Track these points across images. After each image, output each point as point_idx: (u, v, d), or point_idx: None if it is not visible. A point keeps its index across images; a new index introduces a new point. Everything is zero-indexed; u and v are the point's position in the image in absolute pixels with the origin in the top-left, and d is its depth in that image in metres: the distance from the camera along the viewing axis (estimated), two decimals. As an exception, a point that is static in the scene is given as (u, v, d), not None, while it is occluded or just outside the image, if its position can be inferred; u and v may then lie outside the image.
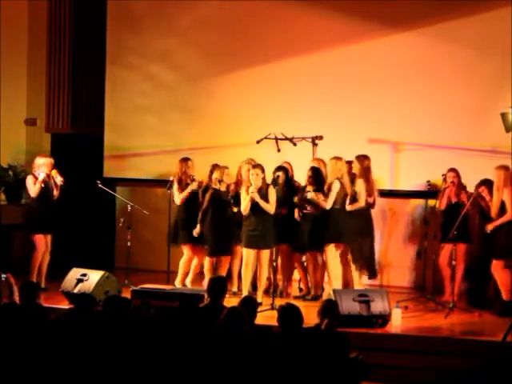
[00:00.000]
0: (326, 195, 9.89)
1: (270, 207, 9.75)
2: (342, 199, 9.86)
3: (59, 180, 10.45)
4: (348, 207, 9.92)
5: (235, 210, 10.12)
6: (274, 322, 6.78)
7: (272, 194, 9.78)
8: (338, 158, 9.98)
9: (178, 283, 10.39)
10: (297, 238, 10.13)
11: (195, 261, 10.47)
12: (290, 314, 6.60)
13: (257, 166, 9.88)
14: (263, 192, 9.74)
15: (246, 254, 9.83)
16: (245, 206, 9.77)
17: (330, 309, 6.87)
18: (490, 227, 9.56)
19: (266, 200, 9.73)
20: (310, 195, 9.83)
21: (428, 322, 9.19)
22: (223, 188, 10.23)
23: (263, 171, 9.82)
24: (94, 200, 12.00)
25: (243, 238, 9.85)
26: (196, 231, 10.23)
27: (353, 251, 9.99)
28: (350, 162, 10.21)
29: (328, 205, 9.82)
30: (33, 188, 10.42)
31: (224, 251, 10.24)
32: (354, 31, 11.30)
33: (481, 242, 9.89)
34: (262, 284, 9.89)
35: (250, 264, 9.85)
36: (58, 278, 9.89)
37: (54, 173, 10.47)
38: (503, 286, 9.49)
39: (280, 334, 6.59)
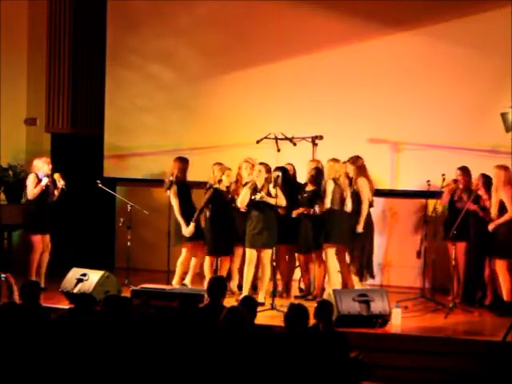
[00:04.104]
0: (322, 196, 9.87)
1: (280, 200, 9.71)
2: (339, 200, 9.82)
3: (61, 184, 10.46)
4: (360, 225, 9.87)
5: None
6: (274, 322, 6.80)
7: (277, 191, 9.75)
8: (335, 160, 9.95)
9: (175, 283, 10.38)
10: (301, 238, 10.12)
11: (194, 260, 10.47)
12: (298, 314, 6.59)
13: (262, 163, 9.88)
14: (265, 191, 9.73)
15: (249, 254, 9.83)
16: (241, 200, 9.76)
17: (324, 311, 6.88)
18: (491, 226, 9.57)
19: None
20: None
21: (428, 321, 9.19)
22: (223, 188, 10.22)
23: (268, 171, 9.83)
24: (93, 200, 12.00)
25: (246, 237, 9.85)
26: (189, 231, 10.24)
27: (351, 252, 10.00)
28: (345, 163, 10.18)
29: (326, 204, 9.79)
30: (32, 190, 10.42)
31: (224, 251, 10.23)
32: (354, 31, 11.29)
33: (477, 241, 9.88)
34: (265, 284, 9.87)
35: (253, 263, 9.84)
36: (58, 278, 9.88)
37: (57, 176, 10.47)
38: (505, 286, 9.50)
39: (284, 333, 6.59)
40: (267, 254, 9.79)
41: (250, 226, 9.79)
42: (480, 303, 9.84)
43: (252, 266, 9.85)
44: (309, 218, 10.01)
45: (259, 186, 9.76)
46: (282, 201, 9.76)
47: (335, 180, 9.87)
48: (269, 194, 9.74)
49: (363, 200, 9.96)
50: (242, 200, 9.79)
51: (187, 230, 10.25)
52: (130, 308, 7.01)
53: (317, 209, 9.89)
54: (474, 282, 9.96)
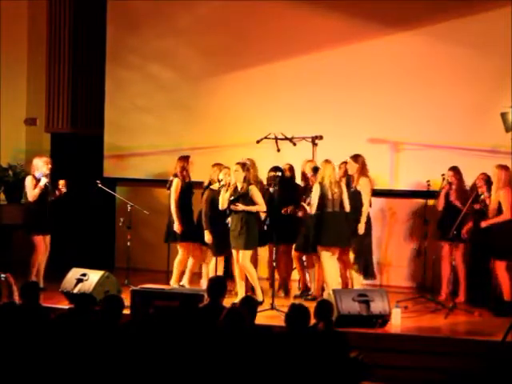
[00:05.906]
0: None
1: (259, 207, 9.63)
2: (331, 202, 9.72)
3: (63, 190, 10.47)
4: (362, 225, 9.82)
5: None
6: (274, 322, 6.79)
7: (256, 193, 9.64)
8: (324, 162, 9.83)
9: (173, 283, 10.37)
10: (300, 238, 10.11)
11: (191, 261, 10.45)
12: (299, 314, 6.59)
13: (239, 162, 9.74)
14: (243, 191, 9.62)
15: (234, 255, 9.82)
16: (221, 202, 9.71)
17: (324, 311, 6.87)
18: (483, 224, 9.58)
19: (249, 200, 9.60)
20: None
21: (428, 321, 9.18)
22: (221, 187, 10.19)
23: (246, 170, 9.68)
24: (93, 200, 12.00)
25: (230, 238, 9.81)
26: (179, 229, 10.25)
27: (354, 252, 9.98)
28: (345, 163, 10.13)
29: (312, 209, 9.72)
30: (32, 192, 10.42)
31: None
32: (354, 31, 11.30)
33: (478, 240, 9.89)
34: (255, 284, 9.75)
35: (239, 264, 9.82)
36: (58, 278, 9.88)
37: (62, 183, 10.48)
38: (504, 286, 9.51)
39: (284, 333, 6.59)
40: (244, 256, 9.66)
41: (231, 227, 9.73)
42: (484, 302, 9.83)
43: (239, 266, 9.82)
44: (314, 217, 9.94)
45: (239, 186, 9.67)
46: (260, 208, 9.63)
47: (321, 184, 9.72)
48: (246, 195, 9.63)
49: (364, 200, 9.90)
50: (222, 202, 9.73)
51: (178, 228, 10.25)
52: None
53: (305, 206, 9.84)
54: (483, 282, 9.95)
